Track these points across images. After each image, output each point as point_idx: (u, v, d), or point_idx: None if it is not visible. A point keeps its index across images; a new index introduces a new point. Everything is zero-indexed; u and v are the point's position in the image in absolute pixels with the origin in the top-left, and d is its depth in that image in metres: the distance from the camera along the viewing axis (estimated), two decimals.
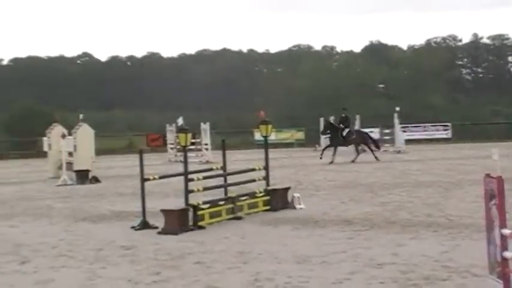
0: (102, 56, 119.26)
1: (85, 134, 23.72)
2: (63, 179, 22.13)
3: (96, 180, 22.30)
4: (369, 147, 28.34)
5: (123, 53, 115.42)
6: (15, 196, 18.92)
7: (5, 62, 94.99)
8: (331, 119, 31.33)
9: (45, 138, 26.09)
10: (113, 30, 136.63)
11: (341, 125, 27.85)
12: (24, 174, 28.72)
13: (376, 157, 27.20)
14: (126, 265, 8.87)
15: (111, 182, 22.33)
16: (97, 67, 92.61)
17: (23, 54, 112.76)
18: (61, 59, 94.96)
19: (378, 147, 29.12)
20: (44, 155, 28.81)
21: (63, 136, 23.71)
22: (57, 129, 25.13)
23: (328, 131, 28.47)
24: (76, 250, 10.07)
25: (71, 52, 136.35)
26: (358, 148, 28.00)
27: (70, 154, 23.38)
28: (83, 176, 22.18)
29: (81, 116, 24.43)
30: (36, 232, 12.06)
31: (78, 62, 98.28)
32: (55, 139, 24.80)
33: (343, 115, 28.47)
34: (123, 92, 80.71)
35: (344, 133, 27.67)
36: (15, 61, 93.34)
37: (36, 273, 8.60)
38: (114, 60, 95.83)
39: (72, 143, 23.28)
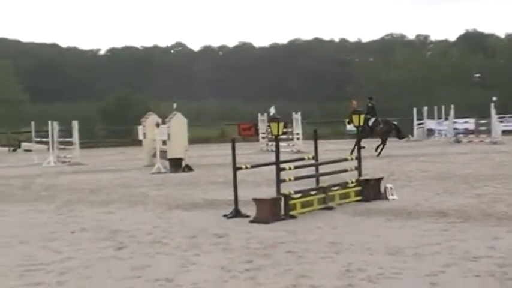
0: (195, 46, 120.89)
1: (178, 123, 24.08)
2: (157, 167, 22.57)
3: (189, 168, 22.64)
4: (384, 139, 26.75)
5: (216, 43, 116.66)
6: (111, 183, 19.42)
7: (102, 52, 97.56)
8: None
9: (140, 127, 26.65)
10: (206, 20, 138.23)
11: (367, 115, 25.88)
12: (120, 162, 29.45)
13: (379, 152, 25.96)
14: (219, 253, 8.97)
15: (204, 170, 22.61)
16: (190, 56, 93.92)
17: (119, 44, 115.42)
18: (155, 49, 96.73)
19: (402, 137, 27.88)
20: (138, 143, 29.43)
21: (158, 125, 24.18)
22: (152, 118, 25.63)
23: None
24: (170, 237, 10.24)
25: (164, 42, 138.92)
26: (385, 139, 26.75)
27: (164, 143, 23.79)
28: (176, 165, 22.55)
29: (174, 105, 24.81)
30: (132, 219, 12.34)
31: (172, 51, 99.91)
32: (150, 128, 25.30)
33: (370, 104, 27.34)
34: (215, 82, 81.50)
35: (370, 123, 26.45)
36: (112, 51, 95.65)
37: (131, 259, 8.79)
38: (207, 50, 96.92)
39: (166, 131, 23.68)
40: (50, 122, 30.14)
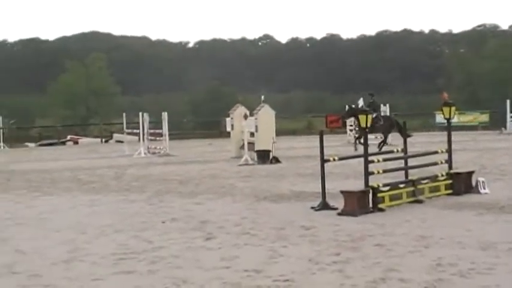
0: (283, 38, 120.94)
1: (266, 115, 24.17)
2: (245, 158, 22.72)
3: (276, 160, 22.70)
4: (385, 136, 25.66)
5: (303, 35, 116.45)
6: (200, 174, 19.67)
7: (191, 45, 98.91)
8: (360, 103, 28.99)
9: (228, 119, 26.88)
10: (293, 12, 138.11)
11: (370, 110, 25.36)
12: (208, 153, 29.78)
13: (380, 148, 24.17)
14: (306, 245, 8.98)
15: (291, 162, 22.64)
16: (277, 49, 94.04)
17: (207, 36, 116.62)
18: (243, 41, 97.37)
19: (406, 136, 26.56)
20: (226, 135, 29.69)
21: (246, 117, 24.34)
22: (240, 110, 25.81)
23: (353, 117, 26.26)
24: (258, 228, 10.31)
25: (252, 34, 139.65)
26: (386, 135, 25.72)
27: (252, 134, 23.94)
28: (264, 156, 22.65)
29: (262, 97, 24.90)
30: (220, 210, 12.48)
31: (259, 44, 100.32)
32: (237, 120, 25.50)
33: (371, 100, 26.40)
34: (302, 74, 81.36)
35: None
36: (200, 43, 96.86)
37: (220, 250, 8.89)
38: (294, 42, 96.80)
39: (253, 123, 23.82)
40: (140, 114, 30.74)
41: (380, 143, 25.27)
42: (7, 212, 12.77)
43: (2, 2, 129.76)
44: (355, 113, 24.57)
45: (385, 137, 25.71)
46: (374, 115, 24.87)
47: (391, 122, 26.09)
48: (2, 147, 44.43)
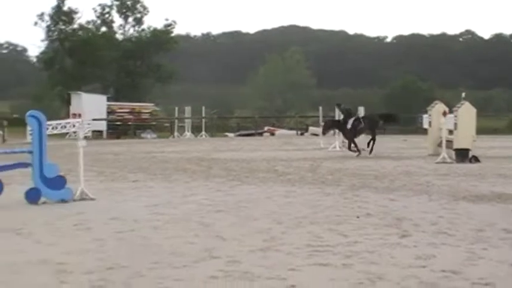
0: (485, 34, 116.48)
1: (467, 112, 23.44)
2: (443, 156, 22.17)
3: (475, 159, 21.98)
4: (373, 135, 25.33)
5: (507, 31, 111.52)
6: (395, 170, 19.46)
7: (388, 40, 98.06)
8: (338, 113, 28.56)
9: (425, 116, 26.39)
10: (498, 7, 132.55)
11: (344, 119, 26.19)
12: (403, 149, 29.37)
13: (371, 149, 25.08)
14: (508, 249, 8.61)
15: (492, 162, 21.82)
16: (479, 45, 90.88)
17: (406, 31, 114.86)
18: (443, 36, 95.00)
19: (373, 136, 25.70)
20: (422, 131, 29.14)
21: (444, 114, 23.77)
22: (438, 107, 25.26)
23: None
24: (455, 228, 10.01)
25: (453, 29, 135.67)
26: (373, 135, 25.31)
27: (450, 132, 23.35)
28: (462, 155, 22.01)
29: (463, 94, 24.20)
30: (416, 207, 12.25)
31: (460, 39, 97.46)
32: (436, 116, 24.96)
33: (341, 110, 27.16)
34: (505, 71, 78.01)
35: (349, 125, 25.71)
36: (399, 38, 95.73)
37: (416, 248, 8.73)
38: (498, 38, 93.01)
39: (452, 121, 23.21)
40: (336, 107, 30.91)
41: (369, 143, 25.40)
42: (208, 199, 13.31)
43: None
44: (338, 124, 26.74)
45: (373, 136, 25.67)
46: (353, 119, 25.91)
47: (373, 121, 26.17)
48: (203, 136, 46.51)
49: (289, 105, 67.38)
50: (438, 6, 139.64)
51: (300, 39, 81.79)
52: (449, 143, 23.04)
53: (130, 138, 46.80)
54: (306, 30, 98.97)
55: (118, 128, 51.63)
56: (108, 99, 55.02)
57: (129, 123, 51.00)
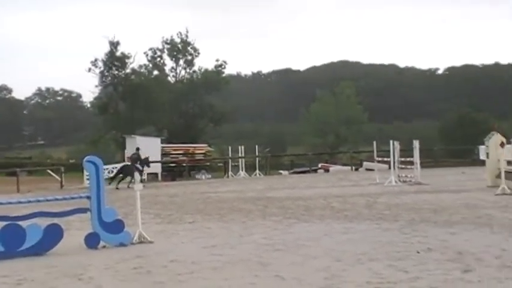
0: None
1: None
2: (502, 188, 21.75)
3: None
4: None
5: None
6: (454, 203, 19.15)
7: (440, 71, 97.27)
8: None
9: (482, 147, 26.02)
10: None
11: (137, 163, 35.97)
12: (461, 182, 28.92)
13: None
14: None
15: None
16: None
17: (458, 63, 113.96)
18: (496, 66, 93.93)
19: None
20: (479, 163, 28.68)
21: (502, 144, 23.37)
22: (496, 138, 24.87)
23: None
24: None
25: (506, 59, 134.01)
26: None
27: (509, 163, 22.93)
28: None
29: None
30: (478, 241, 11.99)
31: None
32: (493, 147, 24.57)
33: (136, 155, 36.64)
34: None
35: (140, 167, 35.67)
36: (451, 70, 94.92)
37: (480, 283, 8.53)
38: None
39: (511, 151, 22.81)
40: (391, 142, 30.70)
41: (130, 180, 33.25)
42: (266, 238, 13.26)
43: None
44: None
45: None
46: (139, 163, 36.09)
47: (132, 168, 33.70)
48: (258, 175, 46.53)
49: (342, 140, 67.13)
50: (490, 36, 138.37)
51: (351, 74, 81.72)
52: (509, 174, 22.60)
53: (185, 179, 47.07)
54: (356, 65, 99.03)
55: (173, 170, 52.02)
56: (162, 141, 55.58)
57: (184, 164, 51.35)
